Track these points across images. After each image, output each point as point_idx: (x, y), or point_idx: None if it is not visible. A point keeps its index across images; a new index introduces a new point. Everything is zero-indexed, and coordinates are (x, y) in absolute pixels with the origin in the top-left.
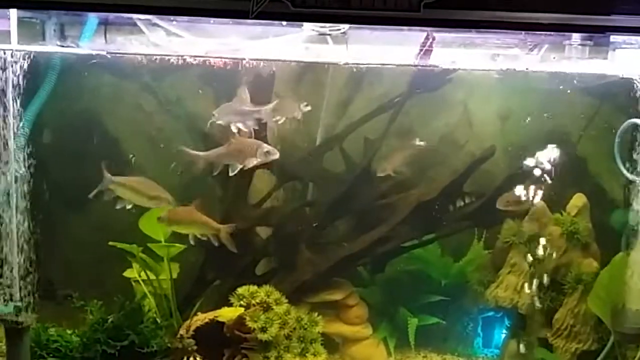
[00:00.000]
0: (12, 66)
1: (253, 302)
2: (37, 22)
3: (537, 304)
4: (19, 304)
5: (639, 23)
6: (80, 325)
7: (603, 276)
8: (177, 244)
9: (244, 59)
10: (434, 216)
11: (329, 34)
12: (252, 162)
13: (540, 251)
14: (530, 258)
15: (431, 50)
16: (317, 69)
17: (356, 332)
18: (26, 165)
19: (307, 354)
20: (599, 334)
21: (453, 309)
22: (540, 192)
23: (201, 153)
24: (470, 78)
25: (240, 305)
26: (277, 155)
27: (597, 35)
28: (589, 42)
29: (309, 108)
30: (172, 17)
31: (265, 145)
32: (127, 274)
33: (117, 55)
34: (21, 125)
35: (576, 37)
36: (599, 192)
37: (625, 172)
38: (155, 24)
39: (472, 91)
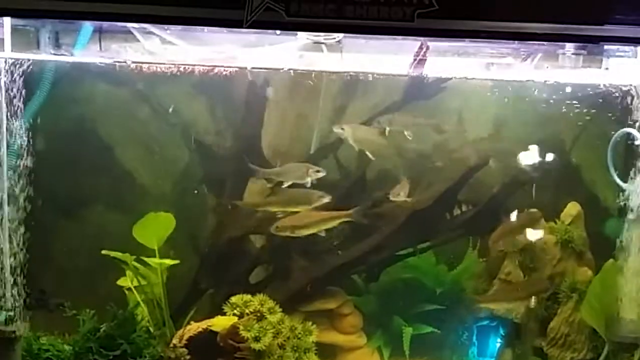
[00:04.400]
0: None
1: (246, 311)
2: (31, 30)
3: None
4: (11, 313)
5: (632, 33)
6: (73, 334)
7: (595, 285)
8: (169, 260)
9: (239, 68)
10: (429, 224)
11: (324, 43)
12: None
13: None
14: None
15: (425, 60)
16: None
17: (350, 341)
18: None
19: None
20: (594, 343)
21: (448, 317)
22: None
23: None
24: (465, 87)
25: (234, 314)
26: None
27: (591, 44)
28: (582, 51)
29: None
30: (165, 26)
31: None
32: (120, 282)
33: None
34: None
35: (570, 46)
36: (593, 200)
37: (618, 180)
38: (150, 32)
39: (467, 100)
